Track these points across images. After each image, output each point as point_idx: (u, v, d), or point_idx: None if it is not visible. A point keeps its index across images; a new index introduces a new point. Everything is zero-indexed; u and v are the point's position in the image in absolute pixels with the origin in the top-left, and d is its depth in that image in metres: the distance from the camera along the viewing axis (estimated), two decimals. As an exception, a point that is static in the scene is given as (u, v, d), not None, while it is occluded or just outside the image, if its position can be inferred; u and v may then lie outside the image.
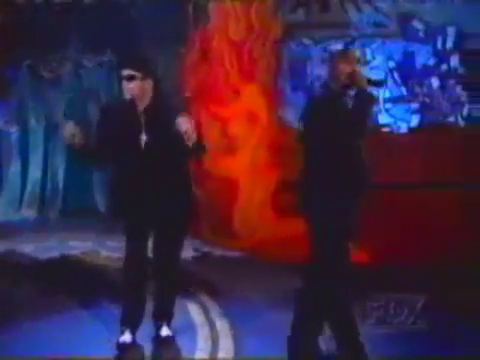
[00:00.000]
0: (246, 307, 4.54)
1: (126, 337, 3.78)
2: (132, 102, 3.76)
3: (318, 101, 3.61)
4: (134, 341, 3.81)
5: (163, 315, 3.91)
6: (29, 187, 8.25)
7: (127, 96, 3.75)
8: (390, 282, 4.63)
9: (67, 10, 7.61)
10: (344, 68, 3.45)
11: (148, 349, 3.82)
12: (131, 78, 3.71)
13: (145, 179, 3.72)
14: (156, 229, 3.83)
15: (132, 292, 3.84)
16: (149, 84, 3.75)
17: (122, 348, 3.75)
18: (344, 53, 3.71)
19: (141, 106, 3.76)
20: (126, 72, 3.73)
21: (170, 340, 3.86)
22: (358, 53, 3.65)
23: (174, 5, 7.13)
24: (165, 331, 3.87)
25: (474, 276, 5.04)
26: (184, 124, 3.55)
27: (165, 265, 3.89)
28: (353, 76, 3.43)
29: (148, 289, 3.88)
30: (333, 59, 3.60)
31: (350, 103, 3.43)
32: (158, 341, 3.86)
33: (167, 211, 3.76)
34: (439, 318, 4.04)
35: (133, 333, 3.81)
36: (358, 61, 3.53)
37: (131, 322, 3.83)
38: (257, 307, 4.52)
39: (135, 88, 3.71)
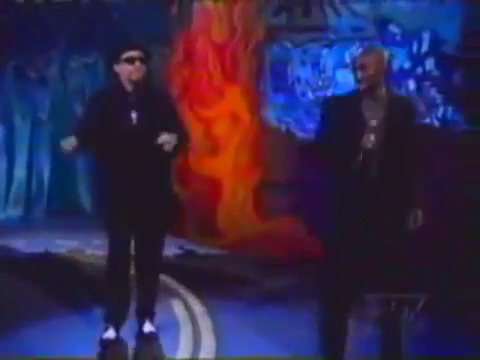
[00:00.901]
0: (229, 304, 4.53)
1: (110, 333, 3.75)
2: (120, 85, 3.71)
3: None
4: (118, 337, 3.77)
5: (146, 312, 3.88)
6: (15, 186, 8.22)
7: (133, 77, 3.66)
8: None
9: (53, 11, 7.57)
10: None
11: (131, 345, 3.79)
12: (136, 60, 3.64)
13: (134, 166, 3.67)
14: (139, 225, 3.79)
15: (116, 289, 3.79)
16: (145, 68, 3.71)
17: (106, 344, 3.71)
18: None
19: (130, 87, 3.71)
20: (133, 53, 3.66)
21: (153, 336, 3.84)
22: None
23: (158, 6, 7.13)
24: (148, 327, 3.85)
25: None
26: (164, 138, 3.57)
27: (148, 262, 3.85)
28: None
29: (131, 286, 3.86)
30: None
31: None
32: (141, 337, 3.83)
33: (150, 207, 3.74)
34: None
35: (117, 330, 3.78)
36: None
37: (115, 319, 3.80)
38: (240, 304, 4.51)
39: (140, 69, 3.66)
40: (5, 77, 8.13)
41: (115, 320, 3.80)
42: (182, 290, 5.01)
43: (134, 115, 3.69)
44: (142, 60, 3.68)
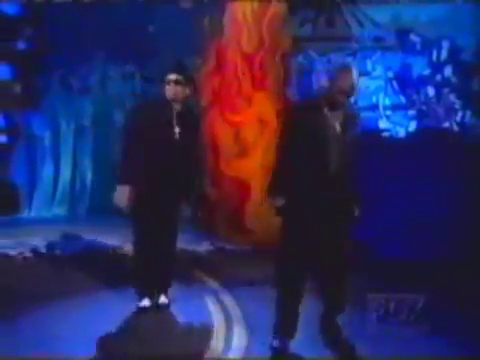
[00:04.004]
0: (256, 295, 4.56)
1: (145, 302, 4.16)
2: (168, 103, 4.05)
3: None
4: (152, 305, 4.20)
5: (162, 286, 4.29)
6: (60, 187, 8.34)
7: (169, 97, 4.04)
8: (390, 282, 4.48)
9: (94, 26, 7.71)
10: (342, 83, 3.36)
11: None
12: (177, 82, 4.01)
13: (173, 170, 4.06)
14: (166, 215, 4.14)
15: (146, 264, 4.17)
16: (189, 90, 4.09)
17: (142, 311, 4.11)
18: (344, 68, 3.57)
19: (176, 107, 4.08)
20: (174, 77, 4.02)
21: (165, 306, 4.26)
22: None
23: (191, 20, 7.19)
24: (162, 299, 4.28)
25: (474, 276, 4.90)
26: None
27: (167, 247, 4.26)
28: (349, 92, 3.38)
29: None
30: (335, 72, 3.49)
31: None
32: (156, 307, 4.23)
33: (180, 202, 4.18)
34: (439, 318, 3.88)
35: (151, 299, 4.19)
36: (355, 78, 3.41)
37: (148, 290, 4.19)
38: (266, 295, 4.53)
39: (180, 91, 4.02)
40: (52, 87, 8.28)
41: (148, 291, 4.21)
42: (213, 283, 5.06)
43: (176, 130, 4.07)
44: (177, 82, 4.01)
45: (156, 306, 4.26)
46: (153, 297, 4.26)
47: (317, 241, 3.41)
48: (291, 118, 3.51)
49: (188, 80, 4.07)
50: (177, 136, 4.04)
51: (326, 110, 3.41)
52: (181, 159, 4.05)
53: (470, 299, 4.43)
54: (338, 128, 3.41)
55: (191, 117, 4.18)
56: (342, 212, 3.43)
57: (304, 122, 3.39)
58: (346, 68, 3.43)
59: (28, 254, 5.95)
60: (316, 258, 3.43)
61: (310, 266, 3.43)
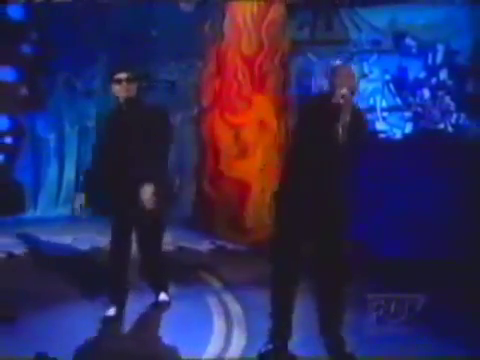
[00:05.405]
0: (257, 293, 4.45)
1: (111, 311, 4.01)
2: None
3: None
4: (118, 315, 4.03)
5: (160, 286, 4.26)
6: (64, 187, 8.34)
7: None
8: (390, 282, 4.45)
9: (96, 30, 7.70)
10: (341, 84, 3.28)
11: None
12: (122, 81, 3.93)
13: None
14: (142, 218, 3.96)
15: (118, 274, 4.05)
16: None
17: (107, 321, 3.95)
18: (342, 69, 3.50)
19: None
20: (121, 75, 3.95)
21: (165, 304, 4.24)
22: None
23: (192, 24, 7.18)
24: (163, 296, 4.25)
25: (474, 275, 4.82)
26: (146, 194, 3.78)
27: (153, 249, 4.15)
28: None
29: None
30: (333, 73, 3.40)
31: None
32: (157, 305, 4.21)
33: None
34: (439, 318, 3.84)
35: (119, 309, 4.04)
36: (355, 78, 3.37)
37: (117, 300, 4.05)
38: (266, 293, 4.52)
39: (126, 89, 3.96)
40: (56, 89, 8.27)
41: (117, 301, 4.05)
42: (214, 281, 5.05)
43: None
44: (129, 80, 3.94)
45: (156, 304, 4.24)
46: (121, 306, 4.07)
47: (310, 238, 3.36)
48: (300, 117, 3.43)
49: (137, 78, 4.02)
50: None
51: (328, 110, 3.29)
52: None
53: (470, 299, 4.36)
54: (340, 130, 3.24)
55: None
56: (334, 211, 3.33)
57: (309, 121, 3.32)
58: (345, 66, 3.37)
59: (31, 253, 5.94)
60: (313, 261, 3.36)
61: (304, 266, 3.36)
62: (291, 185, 3.39)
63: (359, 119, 3.35)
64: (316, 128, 3.29)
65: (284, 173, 3.49)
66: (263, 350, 3.41)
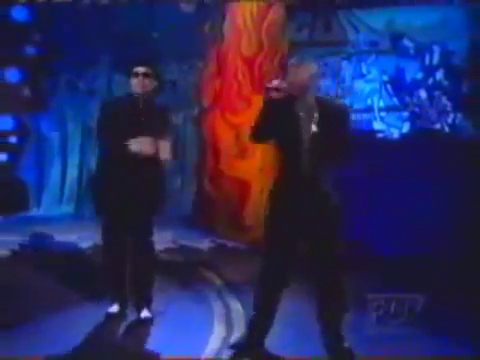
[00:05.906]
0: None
1: (113, 308, 4.00)
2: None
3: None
4: (121, 312, 4.00)
5: (144, 300, 4.02)
6: (68, 186, 8.37)
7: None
8: (390, 282, 4.44)
9: (99, 32, 7.73)
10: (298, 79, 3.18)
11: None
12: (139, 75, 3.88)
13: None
14: (133, 221, 3.92)
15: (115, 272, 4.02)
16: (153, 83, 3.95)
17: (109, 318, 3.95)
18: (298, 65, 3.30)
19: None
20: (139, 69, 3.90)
21: (148, 321, 3.97)
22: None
23: (192, 25, 7.21)
24: (145, 313, 3.99)
25: (474, 275, 4.80)
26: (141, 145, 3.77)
27: (142, 256, 3.98)
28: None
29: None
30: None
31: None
32: (138, 322, 3.97)
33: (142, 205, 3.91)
34: (439, 318, 3.81)
35: (121, 305, 4.01)
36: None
37: (119, 297, 4.02)
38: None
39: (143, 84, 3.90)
40: (59, 89, 8.31)
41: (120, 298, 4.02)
42: (215, 279, 5.09)
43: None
44: (146, 75, 3.88)
45: (138, 321, 3.99)
46: (124, 303, 4.05)
47: (298, 233, 3.31)
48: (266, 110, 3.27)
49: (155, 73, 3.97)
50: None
51: (296, 108, 3.24)
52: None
53: (470, 299, 4.34)
54: (313, 127, 3.21)
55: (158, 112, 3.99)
56: (326, 211, 3.28)
57: (277, 116, 3.23)
58: (297, 64, 3.24)
59: (35, 251, 5.99)
60: (308, 261, 3.35)
61: (295, 266, 3.34)
62: (285, 184, 3.38)
63: (334, 114, 3.26)
64: (285, 125, 3.24)
65: (278, 172, 3.46)
66: (235, 342, 3.41)
